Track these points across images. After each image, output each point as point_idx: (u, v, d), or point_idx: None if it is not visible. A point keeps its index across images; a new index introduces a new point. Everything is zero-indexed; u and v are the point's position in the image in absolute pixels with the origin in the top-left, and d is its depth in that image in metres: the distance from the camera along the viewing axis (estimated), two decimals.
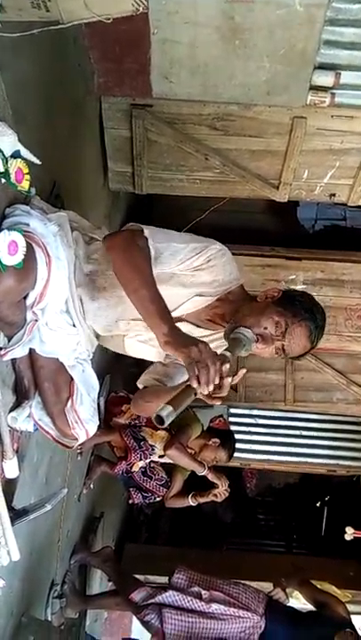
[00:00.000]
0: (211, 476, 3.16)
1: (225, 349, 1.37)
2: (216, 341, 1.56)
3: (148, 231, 1.44)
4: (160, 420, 1.17)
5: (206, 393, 1.24)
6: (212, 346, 1.49)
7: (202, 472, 3.11)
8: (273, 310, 1.46)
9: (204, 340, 1.50)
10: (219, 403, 1.30)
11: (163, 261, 1.46)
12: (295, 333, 1.45)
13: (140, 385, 1.71)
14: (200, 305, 1.53)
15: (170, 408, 1.18)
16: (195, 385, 1.23)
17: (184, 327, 1.51)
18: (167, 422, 1.18)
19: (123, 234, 1.45)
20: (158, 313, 1.32)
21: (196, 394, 1.24)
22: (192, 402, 1.27)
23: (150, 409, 1.61)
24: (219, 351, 1.40)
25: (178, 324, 1.46)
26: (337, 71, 2.59)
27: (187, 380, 1.26)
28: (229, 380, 1.28)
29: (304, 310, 1.46)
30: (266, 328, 1.45)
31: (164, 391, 1.59)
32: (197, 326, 1.56)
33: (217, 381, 1.24)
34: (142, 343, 1.59)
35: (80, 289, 1.51)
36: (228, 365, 1.26)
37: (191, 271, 1.49)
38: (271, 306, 1.48)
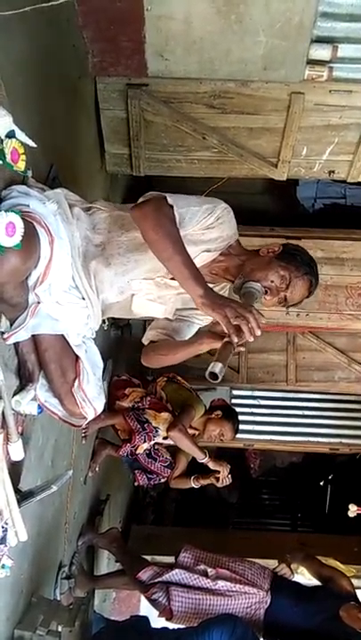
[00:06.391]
0: (212, 465, 3.18)
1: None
2: (220, 292, 1.67)
3: (170, 199, 1.52)
4: (215, 376, 1.33)
5: (252, 340, 1.39)
6: None
7: (202, 459, 3.13)
8: (277, 265, 1.61)
9: None
10: (243, 348, 1.46)
11: (184, 225, 1.55)
12: (298, 285, 1.62)
13: (146, 341, 1.79)
14: (207, 260, 1.64)
15: (220, 364, 1.34)
16: (235, 340, 1.38)
17: None
18: (220, 377, 1.33)
19: (150, 204, 1.51)
20: (193, 276, 1.43)
21: (234, 347, 1.41)
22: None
23: (163, 361, 1.74)
24: None
25: None
26: (335, 44, 2.54)
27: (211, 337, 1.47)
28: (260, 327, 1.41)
29: (305, 264, 1.64)
30: (272, 281, 1.60)
31: (177, 345, 1.71)
32: None
33: (258, 333, 1.39)
34: (151, 301, 1.66)
35: (94, 261, 1.57)
36: (261, 316, 1.42)
37: (202, 230, 1.60)
38: (275, 260, 1.63)
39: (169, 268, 1.46)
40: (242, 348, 1.45)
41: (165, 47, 2.58)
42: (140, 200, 1.55)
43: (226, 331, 1.39)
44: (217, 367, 1.33)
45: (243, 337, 1.39)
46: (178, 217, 1.51)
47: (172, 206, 1.50)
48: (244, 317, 1.38)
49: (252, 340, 1.39)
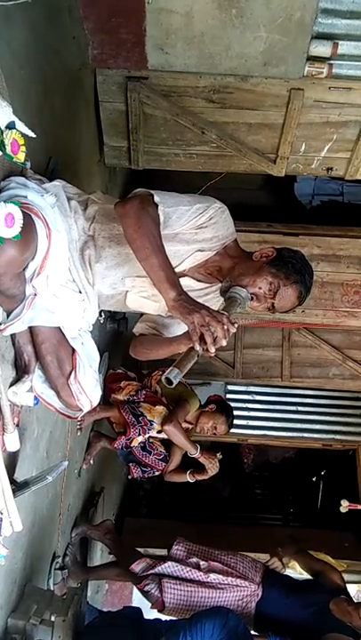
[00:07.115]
0: (202, 460, 3.19)
1: (222, 309, 1.48)
2: (213, 293, 1.68)
3: (158, 197, 1.50)
4: (169, 381, 1.30)
5: (213, 351, 1.35)
6: (209, 297, 1.67)
7: (194, 454, 3.15)
8: (267, 271, 1.58)
9: (203, 292, 1.66)
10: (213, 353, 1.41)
11: (171, 224, 1.54)
12: (286, 294, 1.58)
13: (136, 332, 1.81)
14: (201, 259, 1.62)
15: (177, 370, 1.31)
16: (197, 348, 1.35)
17: (186, 282, 1.61)
18: (175, 383, 1.31)
19: (133, 202, 1.49)
20: (167, 279, 1.41)
21: (198, 355, 1.36)
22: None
23: (148, 355, 1.76)
24: (215, 301, 1.58)
25: (180, 279, 1.55)
26: (335, 41, 2.55)
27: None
28: (227, 337, 1.38)
29: (295, 272, 1.58)
30: (260, 288, 1.57)
31: (161, 341, 1.72)
32: (198, 280, 1.67)
33: (224, 343, 1.35)
34: (145, 299, 1.66)
35: (88, 251, 1.58)
36: (233, 326, 1.37)
37: (194, 229, 1.58)
38: (265, 267, 1.59)
39: (145, 267, 1.44)
40: (213, 354, 1.40)
41: (166, 40, 2.58)
42: (126, 198, 1.54)
43: (191, 336, 1.36)
44: (173, 373, 1.30)
45: (205, 346, 1.35)
46: (163, 216, 1.49)
47: (157, 205, 1.48)
48: (212, 326, 1.34)
49: (213, 350, 1.35)
